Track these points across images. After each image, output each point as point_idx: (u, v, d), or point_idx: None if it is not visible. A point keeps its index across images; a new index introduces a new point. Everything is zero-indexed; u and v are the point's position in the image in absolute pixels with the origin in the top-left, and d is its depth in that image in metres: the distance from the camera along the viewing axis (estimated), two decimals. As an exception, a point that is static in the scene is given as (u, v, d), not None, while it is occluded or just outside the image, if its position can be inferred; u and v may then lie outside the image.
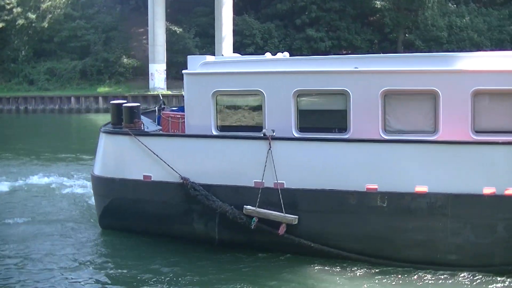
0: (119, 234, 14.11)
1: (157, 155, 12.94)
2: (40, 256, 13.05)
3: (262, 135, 12.45)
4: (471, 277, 11.76)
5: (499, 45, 52.76)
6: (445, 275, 11.88)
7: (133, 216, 13.58)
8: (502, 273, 11.73)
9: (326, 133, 12.72)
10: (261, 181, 12.34)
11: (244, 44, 53.42)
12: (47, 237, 14.28)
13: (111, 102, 15.01)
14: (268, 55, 15.13)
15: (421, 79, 12.19)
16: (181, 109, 16.30)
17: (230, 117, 13.36)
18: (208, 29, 53.15)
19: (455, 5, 56.75)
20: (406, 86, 12.25)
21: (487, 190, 11.53)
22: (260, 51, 53.47)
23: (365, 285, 11.58)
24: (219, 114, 13.23)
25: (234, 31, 51.72)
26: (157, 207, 13.25)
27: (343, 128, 12.61)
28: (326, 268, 12.19)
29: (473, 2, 56.45)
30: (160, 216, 13.32)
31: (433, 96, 12.09)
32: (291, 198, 12.25)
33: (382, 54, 14.82)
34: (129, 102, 14.97)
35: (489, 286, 11.48)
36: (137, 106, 13.85)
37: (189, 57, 13.81)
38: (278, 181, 12.24)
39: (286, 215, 12.22)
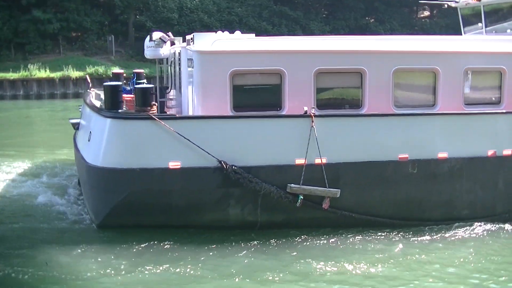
0: (125, 232, 13.41)
1: (189, 140, 12.73)
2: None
3: (304, 113, 13.24)
4: (479, 226, 14.24)
5: (228, 26, 56.98)
6: (458, 228, 14.16)
7: (157, 209, 13.06)
8: (503, 220, 14.50)
9: (341, 110, 14.04)
10: (304, 158, 13.14)
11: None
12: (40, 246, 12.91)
13: (105, 84, 14.00)
14: (237, 33, 15.72)
15: (424, 59, 14.31)
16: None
17: (247, 97, 13.75)
18: None
19: (186, -13, 59.73)
20: (413, 65, 14.24)
21: (490, 152, 14.17)
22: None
23: (396, 246, 13.23)
24: (235, 93, 13.52)
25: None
26: (187, 196, 12.98)
27: (357, 105, 14.08)
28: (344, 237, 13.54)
29: (203, -16, 59.96)
30: (190, 206, 13.08)
31: (433, 74, 14.29)
32: (333, 173, 13.31)
33: (394, 36, 16.56)
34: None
35: (493, 232, 14.09)
36: (152, 87, 13.34)
37: (195, 34, 13.72)
38: (325, 157, 13.20)
39: (331, 189, 13.26)
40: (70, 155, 22.07)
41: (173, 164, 12.79)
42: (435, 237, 13.74)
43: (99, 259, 12.17)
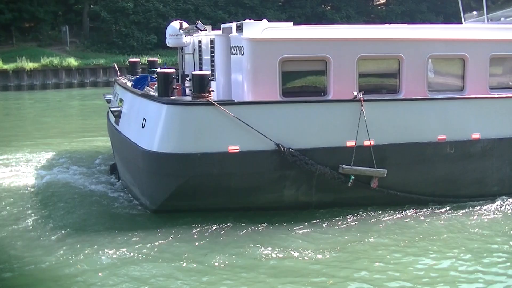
0: (179, 217, 13.98)
1: (248, 124, 13.49)
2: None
3: (354, 97, 14.22)
4: (506, 201, 15.57)
5: (184, 15, 57.65)
6: (488, 204, 15.43)
7: (216, 192, 13.75)
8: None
9: (380, 94, 15.09)
10: (354, 140, 14.14)
11: None
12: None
13: (158, 71, 14.58)
14: (264, 21, 16.56)
15: (455, 46, 15.53)
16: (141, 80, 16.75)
17: (294, 82, 14.62)
18: None
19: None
20: (445, 52, 15.45)
21: None
22: None
23: (431, 222, 14.38)
24: (284, 79, 14.37)
25: None
26: (246, 178, 13.71)
27: (395, 90, 15.17)
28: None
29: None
30: (248, 188, 13.83)
31: (462, 60, 15.54)
32: (380, 154, 14.36)
33: (427, 24, 17.68)
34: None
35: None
36: (208, 74, 14.00)
37: (244, 22, 14.41)
38: (373, 139, 14.23)
39: (379, 169, 14.31)
40: (69, 146, 22.59)
41: (232, 148, 13.53)
42: (472, 213, 14.85)
43: (155, 244, 12.64)
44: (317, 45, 14.46)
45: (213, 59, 16.39)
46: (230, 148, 13.52)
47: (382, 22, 53.47)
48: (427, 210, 14.82)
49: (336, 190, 14.19)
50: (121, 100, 16.90)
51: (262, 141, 13.54)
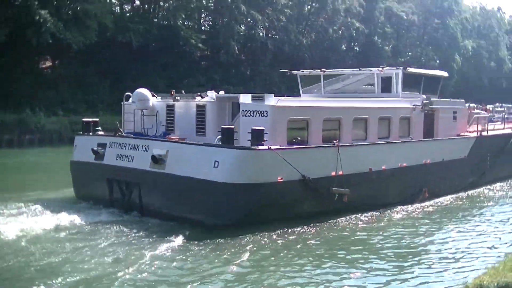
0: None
1: (288, 162, 22.16)
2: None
3: (333, 144, 24.45)
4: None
5: None
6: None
7: (271, 208, 21.62)
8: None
9: (330, 142, 25.48)
10: (335, 171, 24.41)
11: None
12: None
13: (222, 126, 22.33)
14: (210, 93, 26.01)
15: (403, 111, 27.51)
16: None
17: (291, 135, 24.00)
18: None
19: None
20: (389, 115, 27.13)
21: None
22: None
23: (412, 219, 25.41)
24: (288, 133, 23.84)
25: None
26: (286, 198, 21.91)
27: (336, 139, 25.92)
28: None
29: None
30: (286, 204, 21.98)
31: (408, 120, 27.48)
32: (347, 180, 24.70)
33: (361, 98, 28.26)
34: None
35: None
36: (264, 129, 22.52)
37: (265, 95, 23.07)
38: (342, 170, 24.61)
39: (347, 189, 24.68)
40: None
41: (280, 178, 22.46)
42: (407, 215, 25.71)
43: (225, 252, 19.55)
44: (305, 110, 24.22)
45: (203, 119, 24.96)
46: (278, 178, 22.41)
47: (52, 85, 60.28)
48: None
49: (328, 204, 23.92)
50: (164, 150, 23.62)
51: (294, 173, 22.61)
